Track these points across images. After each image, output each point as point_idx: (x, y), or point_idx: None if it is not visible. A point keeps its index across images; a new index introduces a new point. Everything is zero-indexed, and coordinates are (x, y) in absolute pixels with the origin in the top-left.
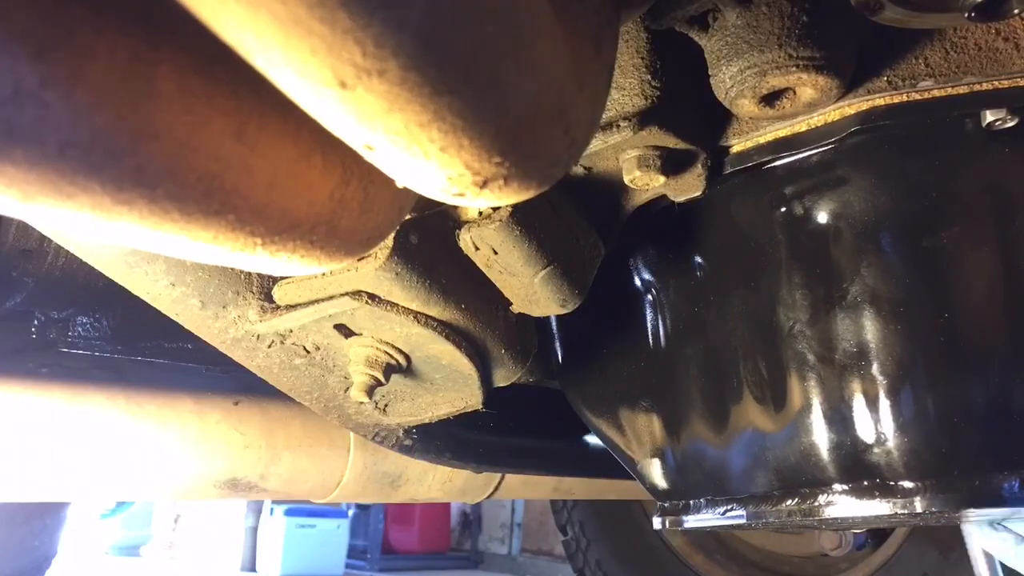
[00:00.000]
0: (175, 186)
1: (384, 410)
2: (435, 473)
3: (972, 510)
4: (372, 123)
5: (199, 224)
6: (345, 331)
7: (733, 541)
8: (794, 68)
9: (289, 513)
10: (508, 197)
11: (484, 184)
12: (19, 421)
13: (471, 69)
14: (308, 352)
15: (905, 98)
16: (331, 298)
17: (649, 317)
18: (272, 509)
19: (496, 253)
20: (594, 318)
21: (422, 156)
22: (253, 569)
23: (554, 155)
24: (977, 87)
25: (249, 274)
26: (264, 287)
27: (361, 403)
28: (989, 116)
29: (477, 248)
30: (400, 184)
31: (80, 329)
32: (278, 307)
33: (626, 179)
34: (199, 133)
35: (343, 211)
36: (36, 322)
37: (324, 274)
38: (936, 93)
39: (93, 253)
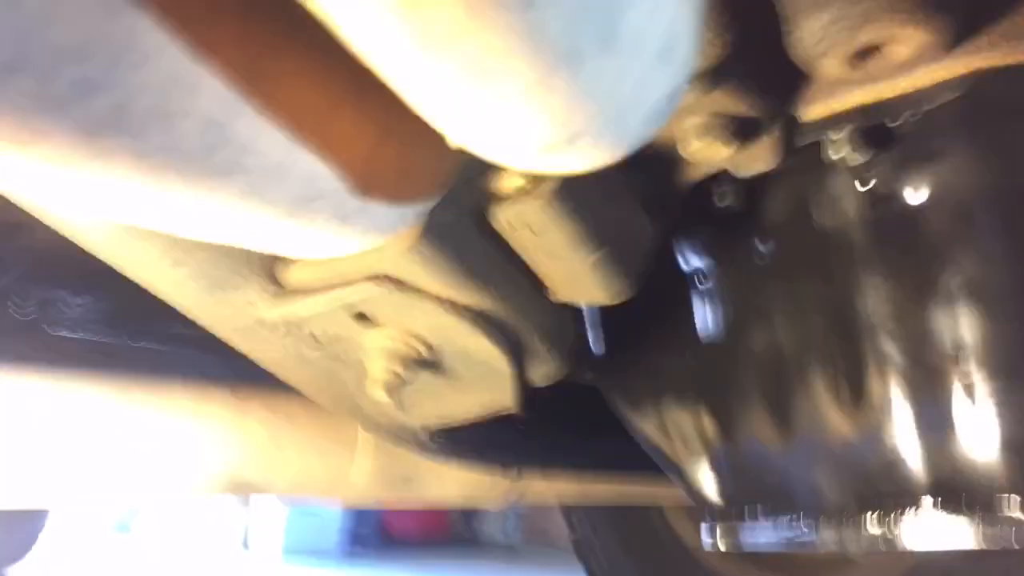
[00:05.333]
0: (168, 136)
1: (406, 409)
2: (452, 472)
3: None
4: (442, 51)
5: (202, 187)
6: (365, 321)
7: None
8: (890, 22)
9: None
10: (595, 158)
11: (572, 140)
12: (5, 412)
13: None
14: (323, 344)
15: (1012, 61)
16: (351, 283)
17: (703, 307)
18: None
19: (538, 234)
20: (638, 308)
21: (504, 98)
22: (251, 548)
23: (656, 103)
24: None
25: (258, 255)
26: (275, 270)
27: (380, 402)
28: None
29: (516, 228)
30: (457, 142)
31: (72, 312)
32: (290, 293)
33: (686, 151)
34: (198, 64)
35: (375, 179)
36: (24, 304)
37: (343, 256)
38: None
39: (80, 231)
